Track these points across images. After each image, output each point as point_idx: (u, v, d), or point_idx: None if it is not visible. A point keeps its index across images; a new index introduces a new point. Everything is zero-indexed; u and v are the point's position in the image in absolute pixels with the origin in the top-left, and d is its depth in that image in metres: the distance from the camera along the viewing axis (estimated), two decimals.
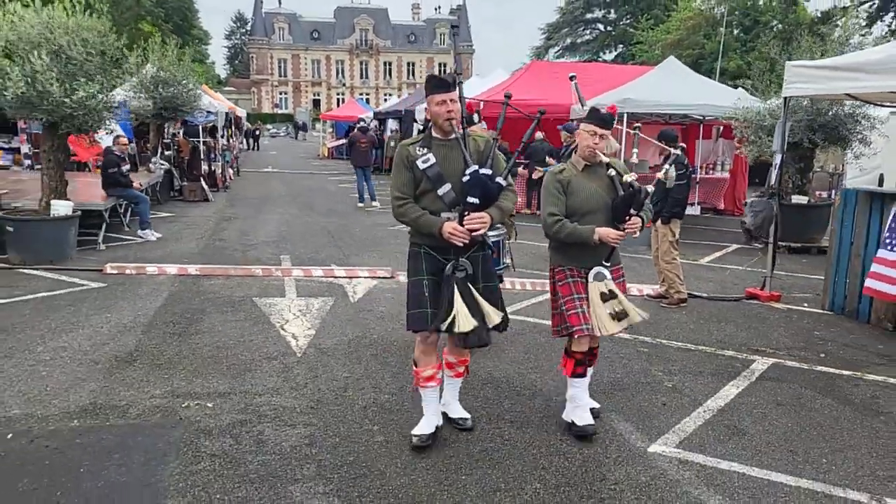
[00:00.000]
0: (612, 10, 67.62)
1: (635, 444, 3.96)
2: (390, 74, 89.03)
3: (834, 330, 6.58)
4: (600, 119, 4.01)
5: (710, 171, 16.03)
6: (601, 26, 69.74)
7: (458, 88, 3.71)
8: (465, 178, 3.57)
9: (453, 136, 3.68)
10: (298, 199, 16.56)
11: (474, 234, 3.58)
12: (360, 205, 15.49)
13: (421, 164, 3.65)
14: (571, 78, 5.17)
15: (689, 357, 5.60)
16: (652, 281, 7.96)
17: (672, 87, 12.93)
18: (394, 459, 3.69)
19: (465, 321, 3.55)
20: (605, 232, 3.92)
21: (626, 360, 5.50)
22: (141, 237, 10.42)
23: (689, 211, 11.75)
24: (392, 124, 25.91)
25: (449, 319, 3.55)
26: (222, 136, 20.35)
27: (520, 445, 3.91)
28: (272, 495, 3.28)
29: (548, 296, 7.51)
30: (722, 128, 15.03)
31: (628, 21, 63.49)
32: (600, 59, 61.74)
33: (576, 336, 3.97)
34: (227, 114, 21.14)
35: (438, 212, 3.65)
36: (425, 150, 3.70)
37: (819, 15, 34.43)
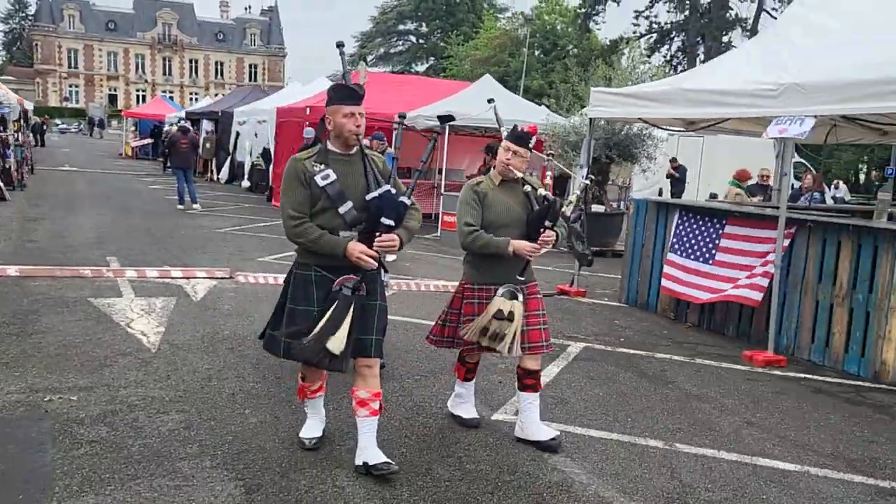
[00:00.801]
0: (424, 24, 69.90)
1: (481, 414, 4.58)
2: (196, 73, 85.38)
3: (630, 319, 7.72)
4: (516, 137, 4.08)
5: None
6: (413, 38, 71.82)
7: None
8: (373, 198, 3.42)
9: (354, 151, 3.56)
10: (111, 201, 15.76)
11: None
12: (181, 207, 15.08)
13: (320, 181, 3.42)
14: (490, 101, 5.48)
15: None
16: None
17: (485, 102, 13.97)
18: (271, 437, 4.02)
19: (338, 343, 3.39)
20: (521, 244, 3.96)
21: None
22: None
23: None
24: (207, 125, 25.17)
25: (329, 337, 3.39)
26: (14, 131, 18.78)
27: (383, 420, 4.32)
28: (161, 471, 3.50)
29: (394, 292, 8.11)
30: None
31: (439, 35, 65.96)
32: (412, 71, 63.57)
33: (473, 351, 4.23)
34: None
35: (335, 230, 3.46)
36: (322, 165, 3.47)
37: (608, 43, 38.08)
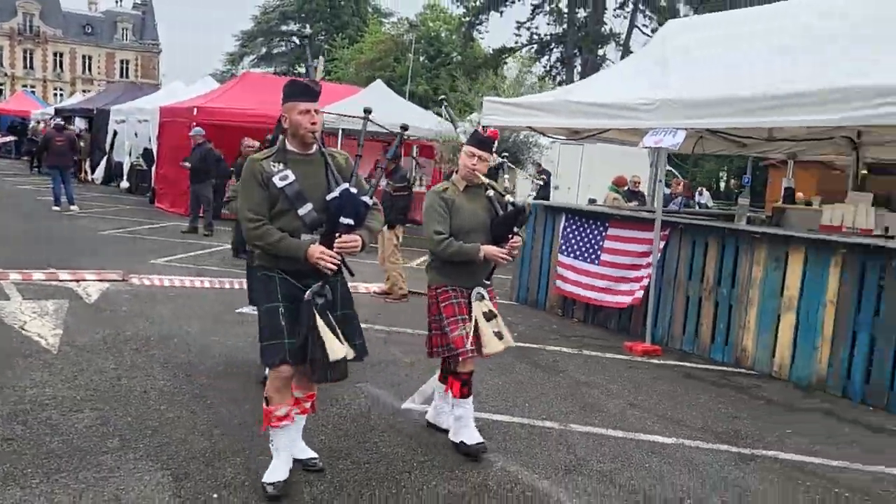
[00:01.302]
0: (308, 26, 69.03)
1: (391, 403, 4.86)
2: (62, 67, 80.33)
3: (521, 315, 8.20)
4: (479, 141, 4.12)
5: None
6: (297, 39, 70.72)
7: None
8: (334, 197, 3.33)
9: (313, 150, 3.46)
10: None
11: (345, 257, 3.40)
12: (56, 208, 14.37)
13: (279, 182, 3.31)
14: (442, 101, 5.60)
15: (418, 340, 6.63)
16: (377, 280, 9.01)
17: (379, 107, 14.22)
18: (192, 429, 4.12)
19: (338, 349, 3.33)
20: (491, 250, 4.00)
21: (369, 344, 6.35)
22: None
23: None
24: (80, 123, 23.95)
25: (306, 348, 3.30)
26: None
27: None
28: (85, 465, 3.55)
29: None
30: (419, 147, 16.80)
31: (324, 37, 65.35)
32: (296, 72, 62.66)
33: (461, 358, 4.07)
34: None
35: (296, 233, 3.35)
36: (280, 165, 3.36)
37: (492, 52, 39.18)
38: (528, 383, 5.65)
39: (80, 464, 3.56)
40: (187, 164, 13.11)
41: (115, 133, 21.54)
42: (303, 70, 64.36)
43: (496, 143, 4.34)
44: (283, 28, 70.74)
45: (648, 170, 10.68)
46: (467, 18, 39.79)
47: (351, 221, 3.34)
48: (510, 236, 4.09)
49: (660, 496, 3.83)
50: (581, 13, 37.15)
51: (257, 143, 12.73)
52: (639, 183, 13.61)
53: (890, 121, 5.26)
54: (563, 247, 8.13)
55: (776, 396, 5.87)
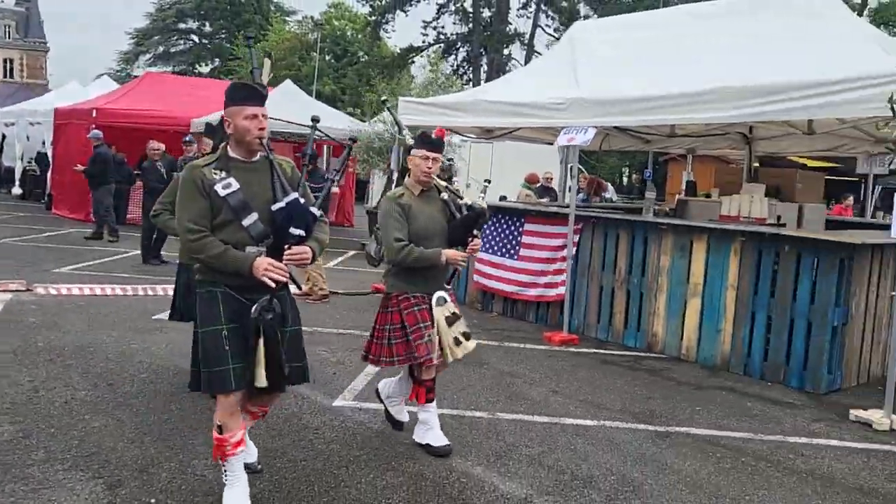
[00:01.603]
0: (207, 23, 67.09)
1: (322, 401, 4.90)
2: None
3: None
4: (430, 143, 4.10)
5: None
6: (196, 38, 68.63)
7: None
8: (282, 207, 3.12)
9: (257, 157, 3.26)
10: None
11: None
12: None
13: (221, 191, 3.09)
14: (384, 102, 5.52)
15: (343, 339, 6.71)
16: None
17: (290, 107, 14.10)
18: (120, 437, 4.05)
19: (260, 376, 3.13)
20: (452, 254, 4.05)
21: None
22: None
23: None
24: None
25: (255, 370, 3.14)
26: None
27: None
28: (10, 478, 3.44)
29: None
30: (333, 147, 16.71)
31: (224, 36, 63.71)
32: (196, 72, 60.84)
33: (425, 366, 4.09)
34: None
35: (240, 245, 3.13)
36: (223, 173, 3.14)
37: (399, 51, 39.27)
38: (454, 376, 5.77)
39: (4, 477, 3.44)
40: (79, 168, 12.63)
41: (4, 136, 20.44)
42: (205, 70, 62.62)
43: (444, 142, 4.42)
44: (181, 26, 68.46)
45: (559, 167, 11.04)
46: (373, 17, 39.70)
47: (302, 233, 3.14)
48: (469, 239, 4.14)
49: (586, 474, 4.04)
50: (486, 13, 37.74)
51: (163, 146, 12.54)
52: (550, 179, 14.02)
53: (780, 116, 5.70)
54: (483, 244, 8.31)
55: (685, 377, 6.23)
